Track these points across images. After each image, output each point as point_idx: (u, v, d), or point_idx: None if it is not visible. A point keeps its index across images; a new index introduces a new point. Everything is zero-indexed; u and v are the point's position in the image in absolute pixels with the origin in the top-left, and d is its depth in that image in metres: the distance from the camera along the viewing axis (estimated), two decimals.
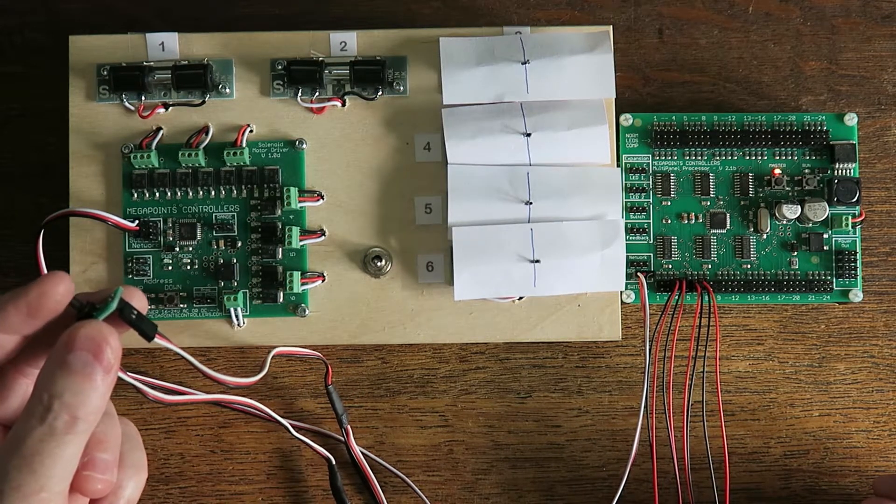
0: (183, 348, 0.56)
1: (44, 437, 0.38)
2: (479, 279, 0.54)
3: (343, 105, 0.56)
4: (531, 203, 0.54)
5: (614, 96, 0.55)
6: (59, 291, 0.39)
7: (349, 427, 0.56)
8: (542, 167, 0.55)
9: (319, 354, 0.55)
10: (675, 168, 0.57)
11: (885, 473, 0.58)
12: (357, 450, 0.57)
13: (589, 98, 0.55)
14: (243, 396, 0.51)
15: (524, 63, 0.55)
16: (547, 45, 0.55)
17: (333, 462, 0.57)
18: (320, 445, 0.57)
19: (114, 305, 0.40)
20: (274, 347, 0.53)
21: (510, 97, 0.55)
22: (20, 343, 0.41)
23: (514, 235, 0.54)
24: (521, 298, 0.55)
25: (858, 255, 0.57)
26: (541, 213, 0.54)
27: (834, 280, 0.57)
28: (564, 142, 0.54)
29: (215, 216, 0.55)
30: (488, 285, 0.54)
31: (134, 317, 0.41)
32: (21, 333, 0.40)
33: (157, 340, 0.42)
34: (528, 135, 0.54)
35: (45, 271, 0.53)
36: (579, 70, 0.55)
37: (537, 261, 0.54)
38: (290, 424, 0.56)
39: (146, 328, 0.41)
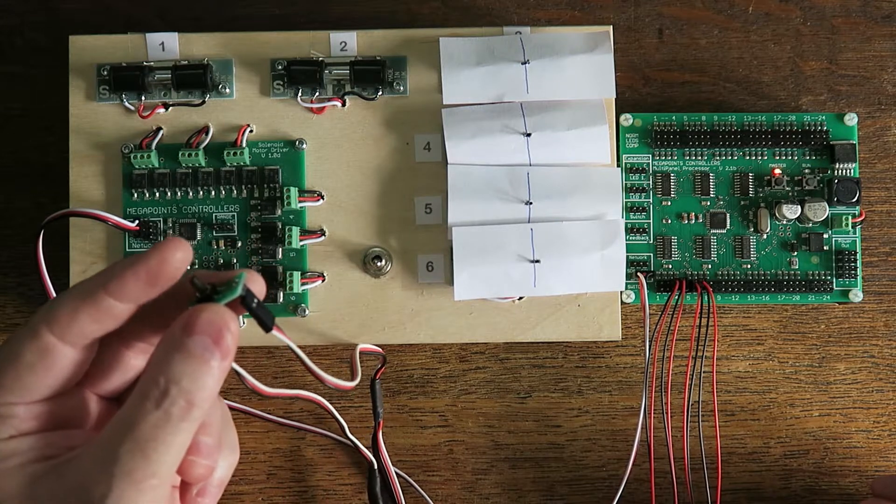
0: None
1: (159, 422, 0.36)
2: (478, 279, 0.54)
3: (343, 105, 0.56)
4: (531, 203, 0.54)
5: (614, 96, 0.55)
6: (177, 258, 0.37)
7: (382, 421, 0.56)
8: (542, 167, 0.55)
9: (380, 350, 0.55)
10: (675, 168, 0.57)
11: (884, 474, 0.58)
12: (382, 443, 0.56)
13: (589, 98, 0.55)
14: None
15: (524, 63, 0.55)
16: (547, 45, 0.55)
17: (375, 466, 0.56)
18: (320, 446, 0.57)
19: (238, 291, 0.38)
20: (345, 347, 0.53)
21: (510, 97, 0.55)
22: (133, 313, 0.39)
23: (514, 235, 0.54)
24: (520, 298, 0.55)
25: (858, 255, 0.57)
26: (541, 213, 0.54)
27: (834, 280, 0.57)
28: (564, 142, 0.54)
29: (215, 216, 0.55)
30: (488, 285, 0.54)
31: (255, 305, 0.39)
32: (137, 302, 0.38)
33: (274, 333, 0.40)
34: (528, 135, 0.54)
35: (45, 271, 0.53)
36: (579, 70, 0.55)
37: (537, 261, 0.54)
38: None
39: (265, 318, 0.39)
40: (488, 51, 0.55)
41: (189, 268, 0.48)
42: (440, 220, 0.55)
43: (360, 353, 0.54)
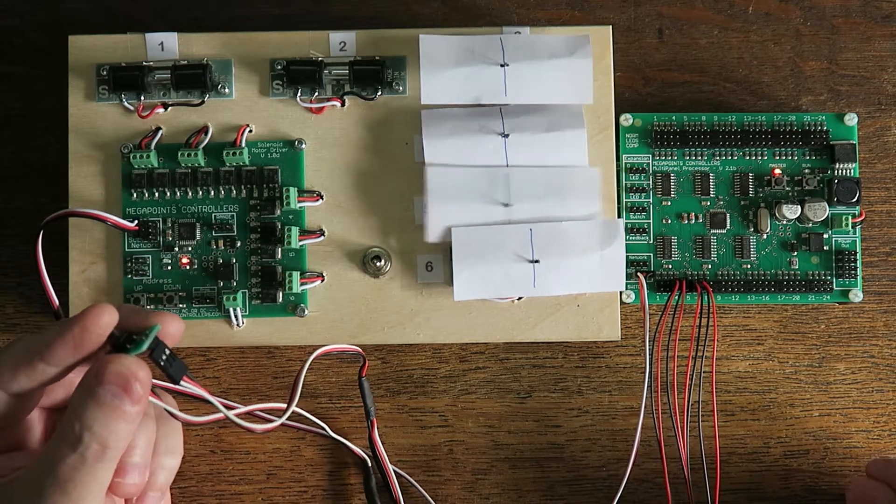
0: (180, 348, 0.57)
1: (76, 464, 0.40)
2: (478, 279, 0.54)
3: (342, 105, 0.56)
4: (510, 205, 0.54)
5: (591, 102, 0.55)
6: (101, 324, 0.41)
7: (375, 419, 0.56)
8: (521, 168, 0.54)
9: (359, 349, 0.55)
10: (675, 168, 0.57)
11: (879, 457, 0.58)
12: (379, 442, 0.56)
13: (567, 103, 0.55)
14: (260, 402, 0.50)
15: (503, 66, 0.54)
16: (527, 47, 0.55)
17: (370, 464, 0.57)
18: (320, 446, 0.57)
19: (146, 345, 0.41)
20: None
21: (488, 100, 0.54)
22: (67, 370, 0.43)
23: (513, 235, 0.54)
24: (520, 298, 0.55)
25: (858, 255, 0.57)
26: (519, 216, 0.54)
27: (834, 280, 0.57)
28: (542, 144, 0.54)
29: (214, 216, 0.55)
30: (488, 285, 0.54)
31: (164, 359, 0.42)
32: (67, 364, 0.42)
33: (184, 384, 0.43)
34: (506, 136, 0.54)
35: (45, 272, 0.53)
36: (558, 75, 0.54)
37: (536, 261, 0.54)
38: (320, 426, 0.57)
39: (174, 372, 0.43)
40: (468, 51, 0.54)
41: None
42: None
43: (336, 352, 0.54)
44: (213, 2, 0.60)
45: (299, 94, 0.56)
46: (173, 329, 0.43)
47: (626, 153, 0.57)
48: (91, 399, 0.40)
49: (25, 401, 0.44)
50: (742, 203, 0.57)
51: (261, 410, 0.55)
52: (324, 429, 0.57)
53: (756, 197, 0.57)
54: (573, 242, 0.54)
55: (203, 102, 0.56)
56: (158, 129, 0.56)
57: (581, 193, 0.54)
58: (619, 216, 0.56)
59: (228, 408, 0.45)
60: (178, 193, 0.55)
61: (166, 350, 0.42)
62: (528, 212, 0.54)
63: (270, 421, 0.49)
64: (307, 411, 0.58)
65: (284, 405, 0.50)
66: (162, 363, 0.42)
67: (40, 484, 0.40)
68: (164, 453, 0.49)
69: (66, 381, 0.45)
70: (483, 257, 0.54)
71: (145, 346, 0.41)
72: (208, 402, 0.44)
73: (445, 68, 0.54)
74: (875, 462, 0.53)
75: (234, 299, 0.54)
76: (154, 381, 0.43)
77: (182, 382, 0.43)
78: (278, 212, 0.55)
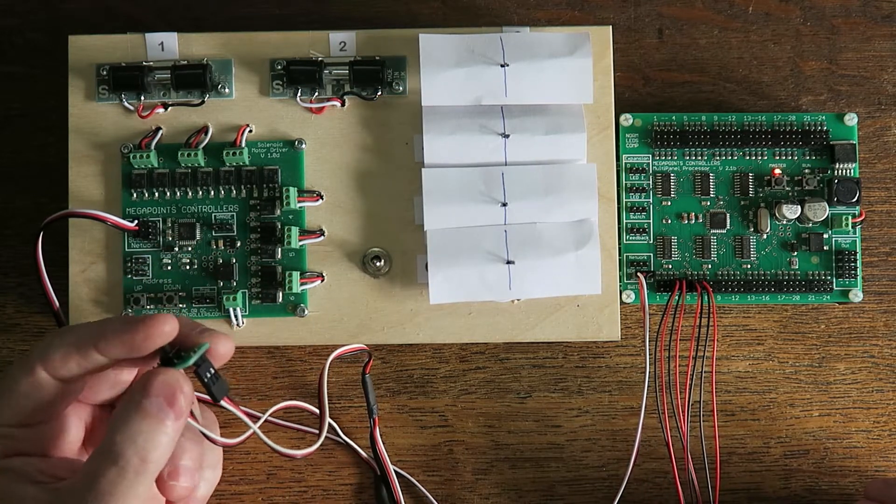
0: None
1: (116, 478, 0.40)
2: (453, 282, 0.53)
3: (342, 105, 0.56)
4: (507, 204, 0.54)
5: (591, 102, 0.55)
6: (162, 333, 0.42)
7: (377, 417, 0.56)
8: (517, 166, 0.54)
9: (365, 347, 0.55)
10: (675, 168, 0.57)
11: (877, 478, 0.58)
12: (380, 440, 0.56)
13: (567, 103, 0.55)
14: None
15: (503, 66, 0.54)
16: (527, 46, 0.54)
17: (378, 473, 0.57)
18: (320, 445, 0.57)
19: (192, 361, 0.42)
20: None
21: (488, 100, 0.54)
22: (114, 364, 0.43)
23: (489, 237, 0.53)
24: (520, 299, 0.55)
25: (858, 255, 0.57)
26: (517, 214, 0.54)
27: (834, 280, 0.57)
28: (541, 146, 0.54)
29: (214, 216, 0.55)
30: (463, 288, 0.53)
31: (208, 377, 0.43)
32: (118, 358, 0.43)
33: (224, 404, 0.44)
34: (507, 136, 0.54)
35: (45, 272, 0.53)
36: (558, 74, 0.54)
37: (511, 262, 0.53)
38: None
39: (216, 391, 0.43)
40: (468, 50, 0.54)
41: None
42: None
43: (343, 354, 0.54)
44: (213, 2, 0.60)
45: (299, 94, 0.56)
46: (223, 349, 0.44)
47: (626, 153, 0.57)
48: (136, 411, 0.40)
49: (68, 390, 0.44)
50: (742, 203, 0.57)
51: (284, 409, 0.56)
52: (337, 433, 0.57)
53: (756, 197, 0.57)
54: (548, 244, 0.54)
55: (203, 102, 0.56)
56: (158, 129, 0.56)
57: (577, 190, 0.54)
58: (619, 216, 0.56)
59: (253, 418, 0.46)
60: (178, 193, 0.55)
61: (211, 369, 0.43)
62: (525, 210, 0.54)
63: (310, 434, 0.52)
64: (306, 412, 0.58)
65: (299, 403, 0.53)
66: (205, 380, 0.43)
67: (82, 498, 0.40)
68: (206, 467, 0.50)
69: (111, 380, 0.46)
70: (458, 259, 0.53)
71: (191, 362, 0.42)
72: (248, 425, 0.45)
73: (445, 68, 0.54)
74: (873, 484, 0.53)
75: (234, 299, 0.54)
76: (198, 394, 0.43)
77: (222, 402, 0.44)
78: (278, 212, 0.55)
